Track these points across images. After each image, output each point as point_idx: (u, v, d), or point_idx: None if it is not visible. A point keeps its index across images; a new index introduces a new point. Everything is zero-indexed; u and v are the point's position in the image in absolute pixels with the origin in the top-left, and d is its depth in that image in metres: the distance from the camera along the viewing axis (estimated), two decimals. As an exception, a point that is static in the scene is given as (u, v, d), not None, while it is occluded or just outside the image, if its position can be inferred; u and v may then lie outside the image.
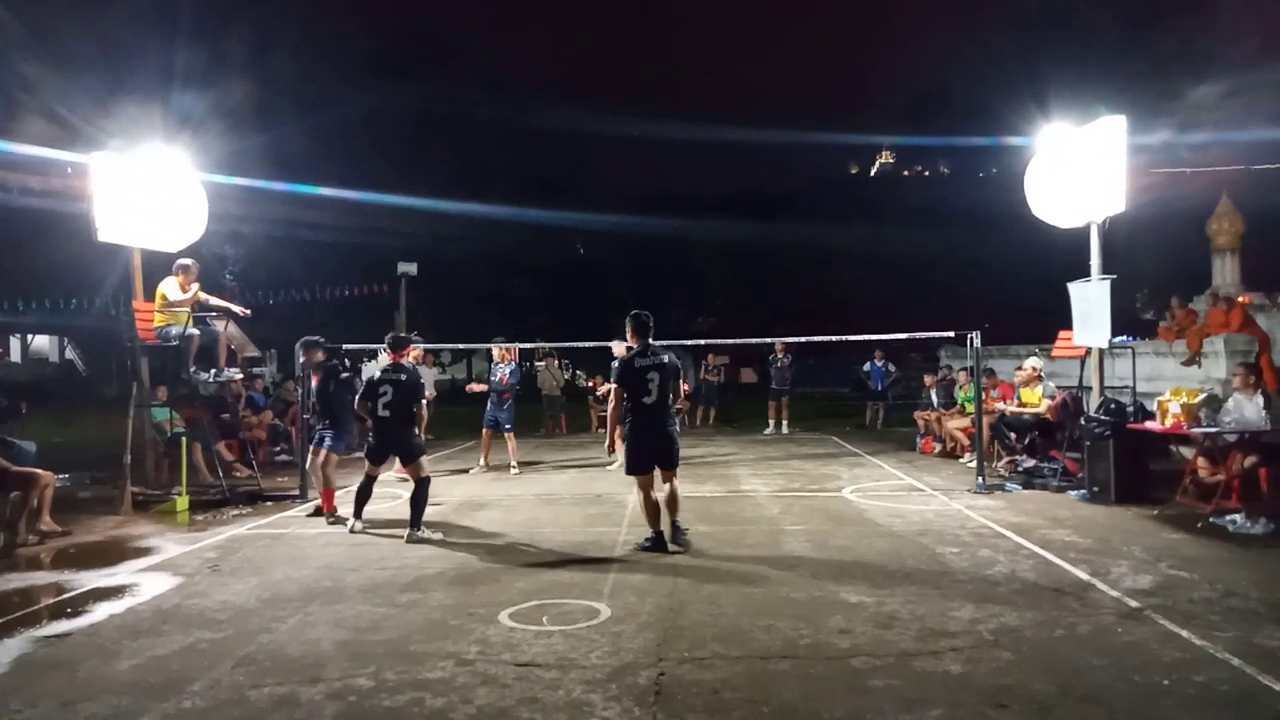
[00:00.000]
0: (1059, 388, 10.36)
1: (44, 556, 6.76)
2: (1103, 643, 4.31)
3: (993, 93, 30.38)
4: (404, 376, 7.28)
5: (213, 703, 3.77)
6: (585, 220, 30.83)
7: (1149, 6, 27.65)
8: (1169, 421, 7.92)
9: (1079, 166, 8.81)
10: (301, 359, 8.36)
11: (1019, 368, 10.88)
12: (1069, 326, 9.30)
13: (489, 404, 11.52)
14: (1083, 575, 5.57)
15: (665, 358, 6.47)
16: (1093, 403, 9.00)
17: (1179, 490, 7.87)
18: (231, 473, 10.43)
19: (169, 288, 9.29)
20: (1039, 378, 10.36)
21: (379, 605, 5.15)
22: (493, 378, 11.55)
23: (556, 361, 18.24)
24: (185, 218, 9.62)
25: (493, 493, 9.60)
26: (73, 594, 5.60)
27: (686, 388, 17.56)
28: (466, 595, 5.34)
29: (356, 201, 25.20)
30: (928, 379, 14.26)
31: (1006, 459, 10.50)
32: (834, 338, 11.67)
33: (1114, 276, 8.72)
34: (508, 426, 11.35)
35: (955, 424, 11.93)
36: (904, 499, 8.80)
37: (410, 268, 22.82)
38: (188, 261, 9.43)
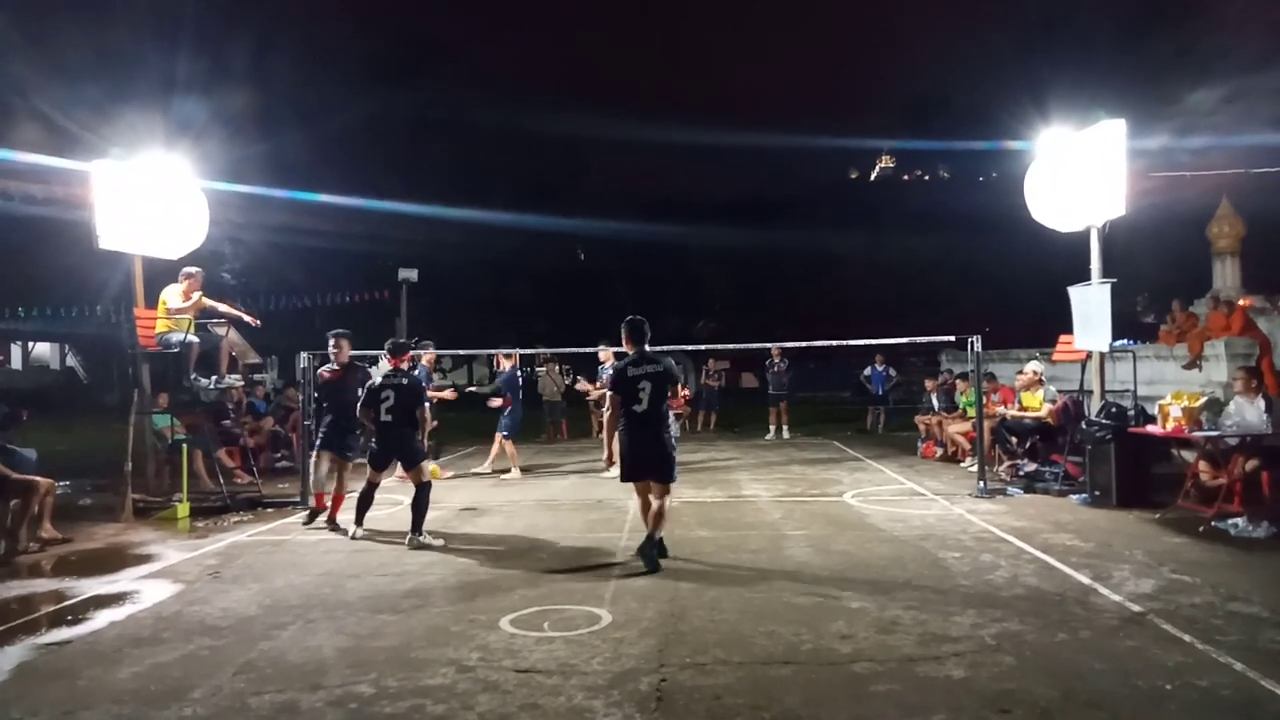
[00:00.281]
0: (1060, 392, 10.36)
1: (45, 564, 6.75)
2: (1105, 647, 4.30)
3: (992, 96, 30.50)
4: (405, 381, 7.28)
5: (214, 710, 3.76)
6: (585, 226, 30.86)
7: (1148, 11, 27.71)
8: (1170, 425, 7.91)
9: (1079, 170, 8.81)
10: (333, 352, 8.11)
11: (1020, 372, 10.88)
12: (1069, 330, 9.30)
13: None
14: (1085, 580, 5.56)
15: (659, 366, 6.19)
16: (1094, 406, 8.98)
17: (1181, 494, 7.85)
18: (232, 479, 10.43)
19: (171, 295, 9.31)
20: (1040, 382, 10.36)
21: (380, 612, 5.14)
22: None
23: (557, 367, 18.26)
24: (186, 225, 9.63)
25: (493, 498, 9.60)
26: (73, 601, 5.59)
27: (686, 392, 17.61)
28: (467, 601, 5.33)
29: (357, 208, 25.27)
30: (928, 383, 14.26)
31: (1008, 463, 10.50)
32: (834, 342, 11.66)
33: (1114, 280, 8.72)
34: (503, 433, 11.40)
35: (956, 428, 11.91)
36: (905, 504, 8.78)
37: (411, 274, 22.81)
38: (193, 269, 9.45)
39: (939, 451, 12.42)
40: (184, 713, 3.73)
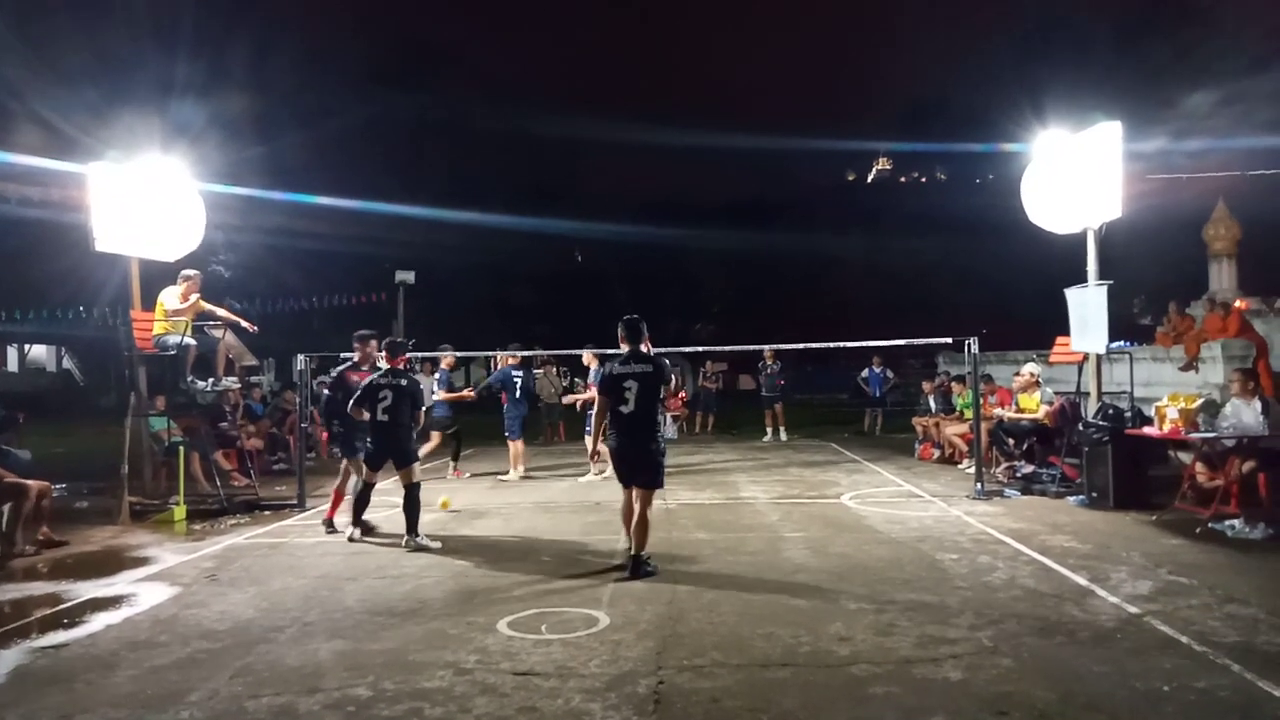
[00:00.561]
0: (1057, 393, 10.37)
1: (41, 567, 6.73)
2: (1103, 649, 4.30)
3: (989, 99, 30.58)
4: (404, 382, 7.28)
5: (211, 714, 3.75)
6: (583, 229, 30.88)
7: (1144, 15, 27.82)
8: (1167, 427, 7.92)
9: (1075, 173, 8.83)
10: (357, 356, 8.02)
11: (1017, 373, 10.88)
12: (1066, 332, 9.31)
13: None
14: (1082, 581, 5.57)
15: (648, 366, 6.02)
16: (1091, 408, 9.00)
17: (1178, 495, 7.87)
18: (229, 482, 10.40)
19: (168, 298, 9.30)
20: (1037, 383, 10.36)
21: (377, 614, 5.14)
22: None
23: (555, 369, 18.25)
24: (183, 227, 9.62)
25: (491, 501, 9.59)
26: (70, 604, 5.58)
27: (684, 394, 17.61)
28: (465, 604, 5.33)
29: (354, 210, 25.29)
30: (926, 385, 14.27)
31: (1005, 465, 10.51)
32: (832, 344, 11.66)
33: (1111, 282, 8.74)
34: (506, 433, 11.42)
35: (954, 430, 11.92)
36: (903, 505, 8.79)
37: (408, 276, 22.82)
38: (191, 271, 9.44)
39: (936, 453, 12.43)
40: (181, 716, 3.72)
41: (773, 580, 5.77)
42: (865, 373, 17.85)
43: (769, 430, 16.42)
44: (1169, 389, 10.01)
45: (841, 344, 11.51)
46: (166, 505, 8.83)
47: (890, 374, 17.99)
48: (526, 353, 12.87)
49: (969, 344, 9.57)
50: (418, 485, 7.18)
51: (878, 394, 17.74)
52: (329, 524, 7.78)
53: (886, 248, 35.10)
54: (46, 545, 7.24)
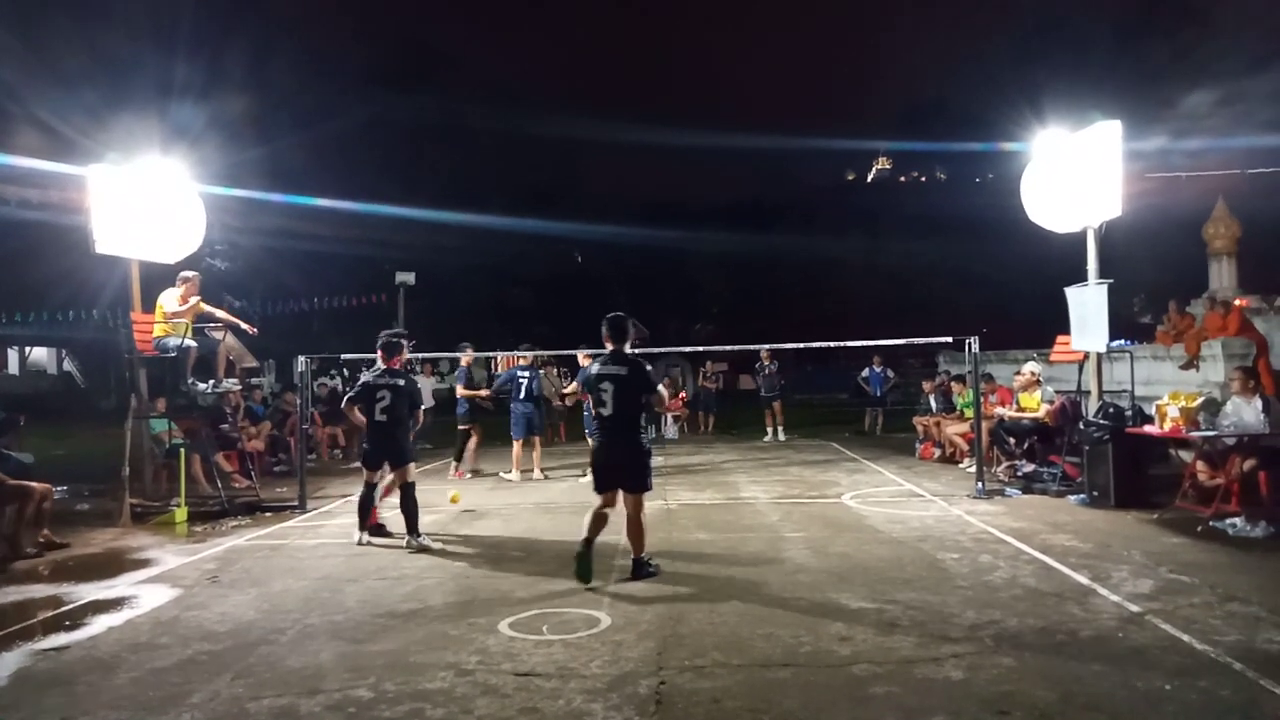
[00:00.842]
0: (1057, 392, 10.37)
1: (42, 569, 6.73)
2: (1104, 648, 4.30)
3: (989, 98, 30.58)
4: (402, 382, 7.28)
5: (212, 715, 3.75)
6: (582, 230, 30.89)
7: (1143, 15, 27.83)
8: (1167, 425, 7.92)
9: (1075, 172, 8.82)
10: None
11: (1017, 373, 10.88)
12: (1067, 331, 9.31)
13: None
14: (1083, 580, 5.57)
15: (624, 368, 5.79)
16: (1091, 407, 9.00)
17: (1178, 494, 7.86)
18: (230, 484, 10.41)
19: (168, 300, 9.30)
20: (1037, 382, 10.36)
21: (378, 616, 5.14)
22: None
23: (555, 370, 18.24)
24: (183, 229, 9.63)
25: (492, 502, 9.59)
26: (71, 607, 5.58)
27: (684, 394, 17.61)
28: (466, 605, 5.33)
29: (354, 212, 25.29)
30: (926, 384, 14.26)
31: (1006, 464, 10.51)
32: (830, 343, 11.66)
33: (1111, 281, 8.74)
34: (513, 435, 11.51)
35: (954, 429, 11.92)
36: (903, 505, 8.78)
37: (408, 277, 22.82)
38: (190, 273, 9.45)
39: (937, 453, 12.43)
40: (182, 717, 3.73)
41: (773, 580, 5.76)
42: (866, 372, 17.85)
43: (769, 430, 16.43)
44: (1169, 388, 10.01)
45: (841, 343, 11.52)
46: (167, 507, 8.84)
47: (891, 373, 17.99)
48: (534, 353, 12.93)
49: (969, 343, 9.57)
50: (412, 485, 7.17)
51: (878, 393, 17.74)
52: (377, 529, 7.50)
53: (886, 247, 35.17)
54: (48, 547, 7.23)
